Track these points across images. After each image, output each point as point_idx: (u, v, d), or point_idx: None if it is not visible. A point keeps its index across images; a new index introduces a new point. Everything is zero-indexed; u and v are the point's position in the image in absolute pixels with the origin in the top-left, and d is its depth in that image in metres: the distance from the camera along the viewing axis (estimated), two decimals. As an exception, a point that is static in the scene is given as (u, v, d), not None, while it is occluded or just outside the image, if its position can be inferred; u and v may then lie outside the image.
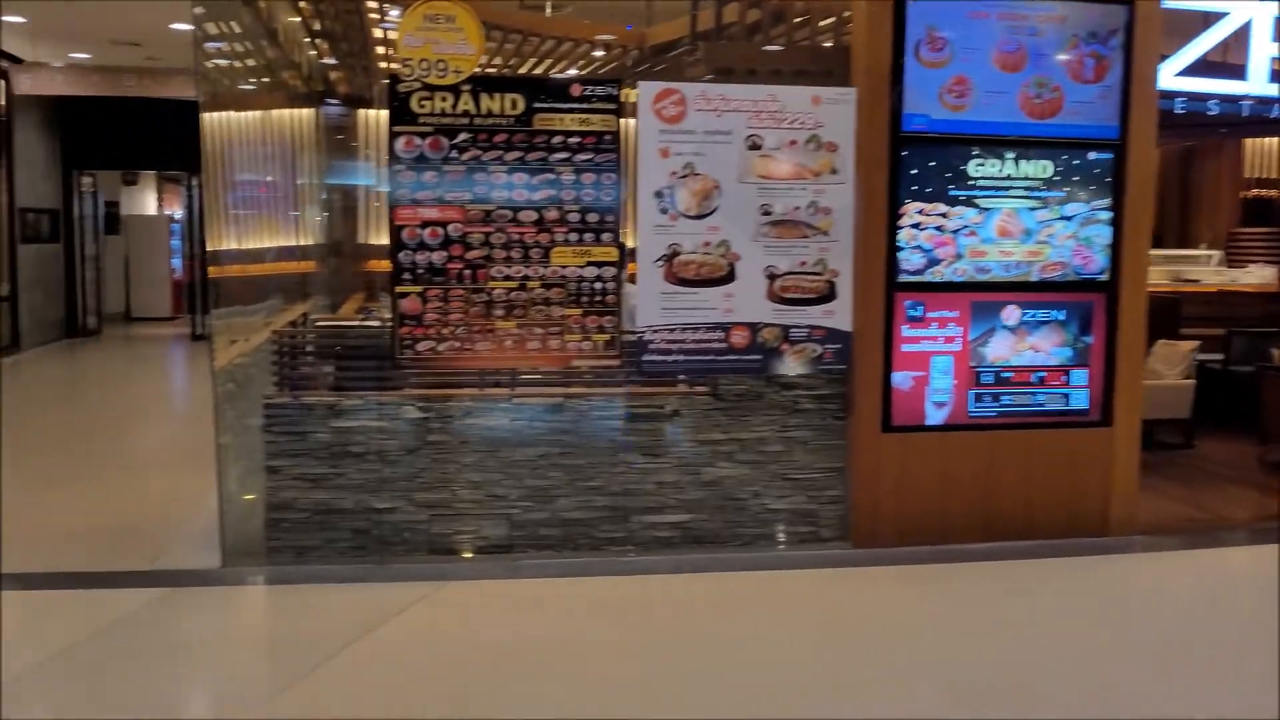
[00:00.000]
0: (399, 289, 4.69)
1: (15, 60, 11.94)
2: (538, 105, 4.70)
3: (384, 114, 9.84)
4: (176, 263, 17.34)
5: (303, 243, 8.12)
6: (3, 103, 12.61)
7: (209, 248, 5.10)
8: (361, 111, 9.65)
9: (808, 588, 4.72)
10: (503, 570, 4.76)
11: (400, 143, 4.65)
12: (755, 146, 4.83)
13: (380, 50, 8.50)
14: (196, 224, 15.15)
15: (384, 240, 9.63)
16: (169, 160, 15.30)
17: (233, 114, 6.18)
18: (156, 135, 14.46)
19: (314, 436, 4.83)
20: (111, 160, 15.30)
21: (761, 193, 4.85)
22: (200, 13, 5.06)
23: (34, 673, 3.70)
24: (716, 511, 5.04)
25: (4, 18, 10.21)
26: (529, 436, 4.93)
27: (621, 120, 4.77)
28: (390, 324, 4.75)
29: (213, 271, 5.06)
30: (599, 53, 8.10)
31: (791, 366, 4.94)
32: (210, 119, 5.17)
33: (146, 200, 18.60)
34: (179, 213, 18.73)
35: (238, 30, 6.17)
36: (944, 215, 5.00)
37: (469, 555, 4.90)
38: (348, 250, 9.44)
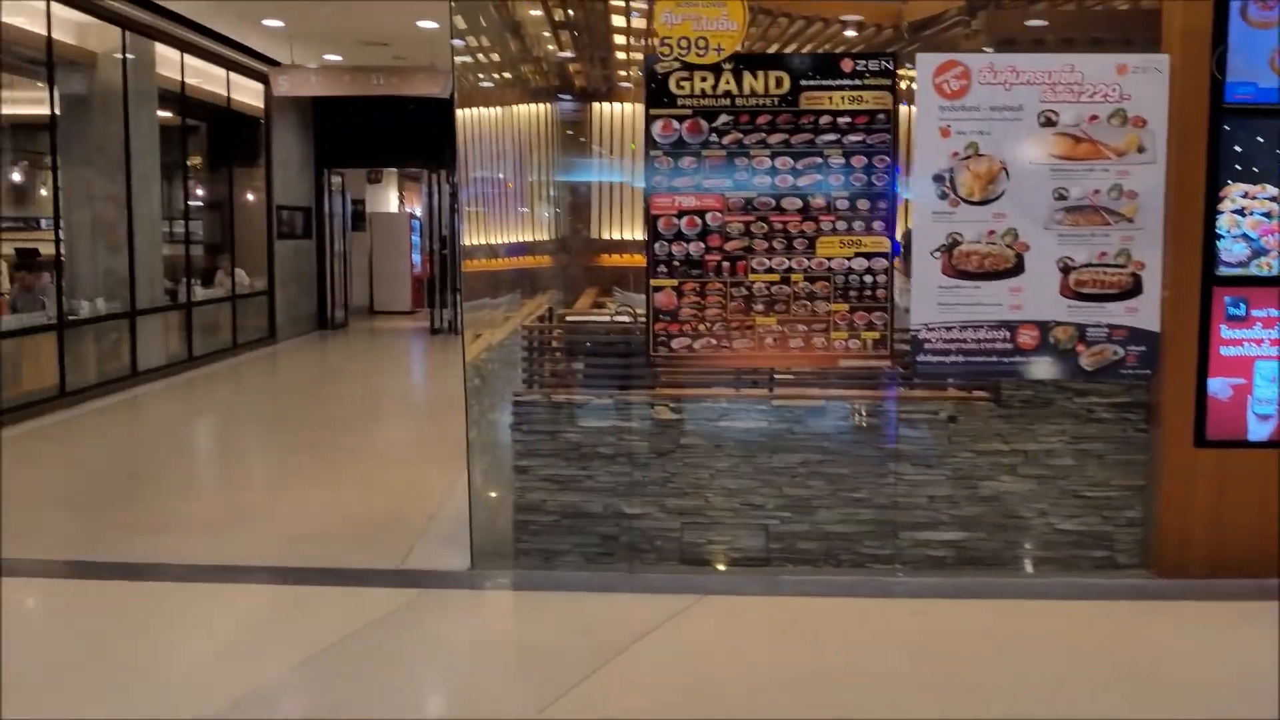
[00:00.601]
0: (654, 282, 4.42)
1: (274, 63, 12.49)
2: (804, 83, 4.34)
3: (618, 107, 9.70)
4: (415, 258, 17.92)
5: (539, 238, 8.09)
6: (263, 105, 13.26)
7: (465, 242, 4.99)
8: (595, 105, 9.56)
9: (1106, 622, 4.16)
10: (761, 586, 4.42)
11: (657, 127, 4.37)
12: (1049, 123, 4.30)
13: (620, 40, 8.34)
14: (436, 220, 15.55)
15: (616, 235, 9.49)
16: (409, 158, 15.78)
17: (482, 110, 6.12)
18: (398, 134, 14.94)
19: (563, 436, 4.63)
20: (357, 159, 15.90)
21: (1055, 175, 4.31)
22: (455, 11, 4.96)
23: (296, 674, 3.62)
24: (996, 530, 4.54)
25: (265, 21, 10.65)
26: (788, 442, 4.57)
27: (896, 98, 4.34)
28: (642, 320, 4.49)
29: (467, 266, 4.94)
30: (850, 33, 7.64)
31: (1087, 370, 4.38)
32: (462, 115, 5.07)
33: (388, 197, 19.32)
34: (418, 209, 19.39)
35: (486, 26, 6.11)
36: (1274, 199, 4.33)
37: (723, 567, 4.59)
38: (581, 245, 9.38)
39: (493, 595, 4.47)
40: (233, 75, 12.32)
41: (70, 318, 8.92)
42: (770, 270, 4.39)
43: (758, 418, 4.59)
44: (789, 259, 4.39)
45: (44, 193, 11.60)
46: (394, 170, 18.93)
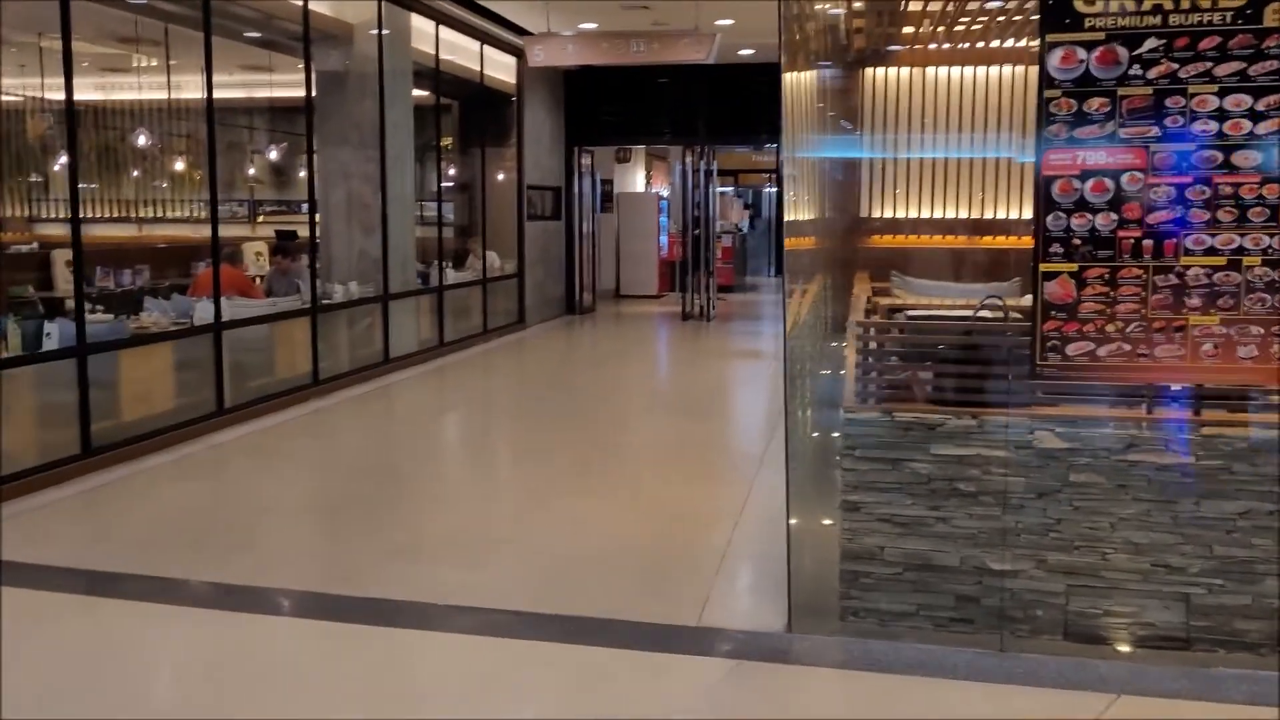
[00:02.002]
0: (1045, 267, 3.30)
1: (528, 34, 11.92)
2: (1273, -9, 3.11)
3: (890, 72, 8.41)
4: (662, 240, 17.20)
5: (812, 217, 7.14)
6: (515, 81, 12.75)
7: (789, 217, 4.03)
8: (868, 70, 8.53)
9: None
10: (1192, 684, 3.24)
11: (1056, 57, 3.24)
12: None
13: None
14: (688, 200, 14.72)
15: (886, 213, 8.20)
16: (661, 134, 14.98)
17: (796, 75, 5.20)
18: (650, 109, 14.23)
19: (909, 466, 3.59)
20: (608, 136, 15.23)
21: None
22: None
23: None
24: None
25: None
26: (1224, 485, 3.37)
27: None
28: (1016, 317, 3.40)
29: (789, 244, 3.97)
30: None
31: None
32: (787, 80, 4.13)
33: (636, 177, 18.68)
34: (664, 189, 18.66)
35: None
36: None
37: (1126, 648, 3.45)
38: (852, 224, 8.43)
39: (824, 676, 3.45)
40: (486, 49, 11.82)
41: (324, 302, 8.54)
42: (1212, 251, 3.20)
43: (1181, 451, 3.41)
44: (1240, 236, 3.18)
45: (301, 175, 11.43)
46: (641, 148, 18.23)
